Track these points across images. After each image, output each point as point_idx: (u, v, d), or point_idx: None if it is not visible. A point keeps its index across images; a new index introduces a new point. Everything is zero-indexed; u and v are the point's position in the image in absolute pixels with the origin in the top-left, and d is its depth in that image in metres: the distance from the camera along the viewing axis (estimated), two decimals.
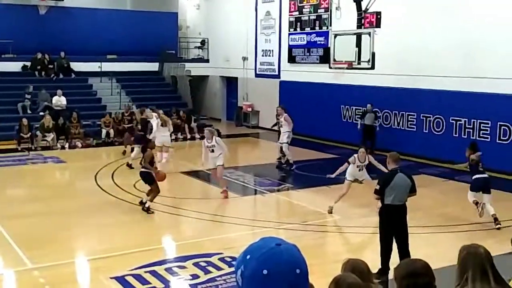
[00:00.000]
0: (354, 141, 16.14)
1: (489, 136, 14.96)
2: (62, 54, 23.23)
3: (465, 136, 15.47)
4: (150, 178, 11.20)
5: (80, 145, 19.10)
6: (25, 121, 18.53)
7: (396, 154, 8.00)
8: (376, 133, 17.41)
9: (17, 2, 23.19)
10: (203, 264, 8.31)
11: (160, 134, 15.11)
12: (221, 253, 8.70)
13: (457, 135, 15.75)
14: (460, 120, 15.66)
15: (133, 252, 8.88)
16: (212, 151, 12.47)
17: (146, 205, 11.06)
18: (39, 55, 22.91)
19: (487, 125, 15.01)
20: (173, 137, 20.60)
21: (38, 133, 18.58)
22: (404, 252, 7.67)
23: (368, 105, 17.49)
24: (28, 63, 23.00)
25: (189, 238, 9.91)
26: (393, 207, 7.73)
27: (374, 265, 7.08)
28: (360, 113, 18.03)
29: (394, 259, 7.77)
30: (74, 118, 19.80)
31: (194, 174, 15.21)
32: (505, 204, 11.89)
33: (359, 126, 17.71)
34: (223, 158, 12.58)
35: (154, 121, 15.45)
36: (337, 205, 11.38)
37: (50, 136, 18.73)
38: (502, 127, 14.66)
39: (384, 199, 7.76)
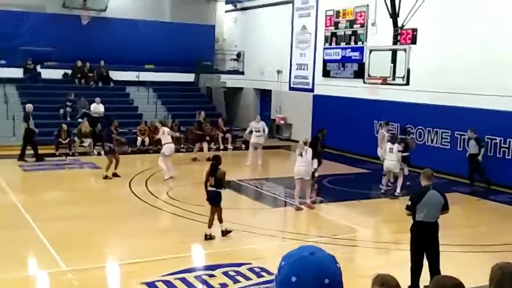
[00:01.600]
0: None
1: None
2: (102, 63, 23.83)
3: (500, 155, 15.26)
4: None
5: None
6: (64, 126, 19.05)
7: (429, 170, 7.98)
8: (482, 165, 15.22)
9: (61, 12, 23.93)
10: (232, 273, 8.41)
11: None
12: (250, 263, 8.79)
13: (491, 154, 15.52)
14: (495, 139, 15.44)
15: (164, 259, 9.05)
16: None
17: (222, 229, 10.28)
18: (79, 63, 23.55)
19: None
20: (207, 146, 20.91)
21: (76, 139, 19.06)
22: (434, 270, 7.63)
23: (469, 131, 15.41)
24: (69, 71, 23.67)
25: (219, 247, 10.02)
26: (424, 224, 7.70)
27: (404, 282, 7.07)
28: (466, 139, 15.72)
29: (425, 277, 7.75)
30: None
31: (226, 184, 15.34)
32: None
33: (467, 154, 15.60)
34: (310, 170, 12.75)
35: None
36: (368, 220, 11.36)
37: (87, 141, 19.20)
38: None
39: (416, 216, 7.73)
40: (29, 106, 18.20)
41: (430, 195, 7.68)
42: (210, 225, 10.18)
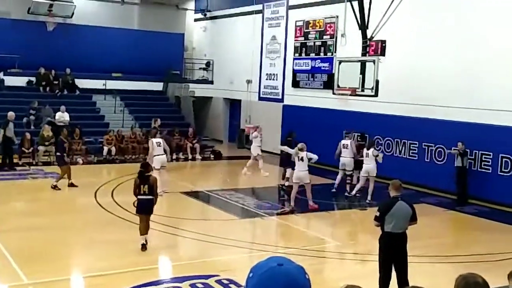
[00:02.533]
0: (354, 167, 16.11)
1: (490, 168, 14.94)
2: (68, 70, 23.39)
3: (467, 167, 15.42)
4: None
5: (81, 161, 19.10)
6: (28, 135, 18.59)
7: (398, 181, 7.98)
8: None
9: (25, 18, 23.44)
10: (199, 285, 8.24)
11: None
12: (218, 275, 8.64)
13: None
14: (466, 151, 15.62)
15: (130, 271, 8.82)
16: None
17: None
18: (42, 70, 23.05)
19: (488, 157, 15.00)
20: (174, 157, 20.69)
21: (40, 147, 18.61)
22: (403, 281, 7.61)
23: (460, 143, 15.07)
24: (34, 78, 23.15)
25: (187, 259, 9.85)
26: (393, 235, 7.69)
27: None
28: (460, 152, 15.10)
29: None
30: (76, 134, 19.84)
31: (194, 194, 15.18)
32: (506, 237, 11.86)
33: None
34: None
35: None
36: (337, 231, 11.33)
37: (50, 147, 18.75)
38: (504, 159, 14.65)
39: (384, 227, 7.72)
40: (11, 114, 17.81)
41: (399, 206, 7.67)
42: (146, 232, 9.97)
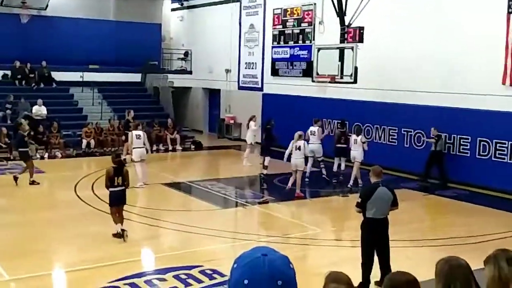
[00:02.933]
0: (332, 154, 16.18)
1: (468, 152, 15.13)
2: (44, 63, 23.03)
3: (445, 151, 15.62)
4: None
5: (60, 155, 18.90)
6: (4, 130, 18.32)
7: (378, 167, 8.04)
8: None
9: None
10: (183, 276, 8.23)
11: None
12: (201, 266, 8.63)
13: (439, 149, 15.87)
14: (440, 135, 15.79)
15: (112, 264, 8.77)
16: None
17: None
18: (18, 64, 22.68)
19: (467, 141, 15.19)
20: (155, 148, 20.58)
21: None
22: (385, 265, 7.69)
23: (433, 129, 15.44)
24: (9, 72, 22.77)
25: (169, 250, 9.83)
26: (374, 221, 7.75)
27: (356, 278, 7.08)
28: (435, 138, 15.38)
29: (375, 273, 7.80)
30: (54, 128, 19.61)
31: (175, 185, 15.13)
32: (484, 219, 12.04)
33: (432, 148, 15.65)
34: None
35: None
36: (319, 218, 11.39)
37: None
38: (482, 143, 14.85)
39: (366, 213, 7.77)
40: None
41: (380, 192, 7.74)
42: (116, 221, 9.99)
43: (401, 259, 8.83)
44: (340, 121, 17.28)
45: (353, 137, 14.87)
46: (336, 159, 15.70)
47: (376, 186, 7.79)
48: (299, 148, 13.49)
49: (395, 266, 7.59)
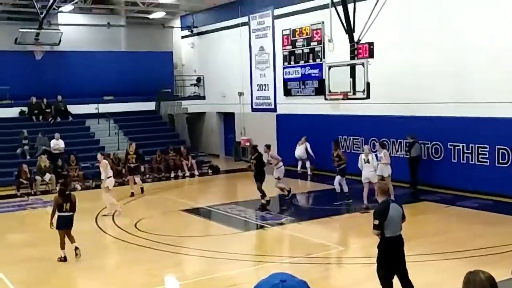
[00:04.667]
0: (352, 171, 16.10)
1: (488, 161, 14.97)
2: (59, 97, 23.39)
3: (464, 161, 15.48)
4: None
5: (79, 187, 19.05)
6: (25, 166, 18.53)
7: (386, 185, 7.87)
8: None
9: (13, 48, 23.47)
10: None
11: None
12: None
13: (455, 160, 15.76)
14: (458, 146, 15.68)
15: None
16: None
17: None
18: (34, 100, 23.05)
19: (485, 149, 15.04)
20: (173, 175, 20.66)
21: (37, 177, 18.56)
22: (407, 282, 7.55)
23: (409, 137, 16.31)
24: (26, 108, 23.14)
25: (193, 277, 9.80)
26: (394, 239, 7.57)
27: None
28: (408, 145, 16.48)
29: None
30: (72, 161, 19.81)
31: (195, 211, 15.13)
32: (507, 229, 11.85)
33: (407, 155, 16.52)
34: None
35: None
36: (341, 236, 11.27)
37: (48, 176, 18.69)
38: (501, 151, 14.69)
39: (384, 233, 7.52)
40: None
41: (393, 209, 7.52)
42: (63, 246, 10.50)
43: (424, 273, 8.72)
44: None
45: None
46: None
47: (388, 204, 7.58)
48: (368, 161, 14.17)
49: (418, 280, 7.50)
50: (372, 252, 10.53)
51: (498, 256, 9.75)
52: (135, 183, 17.61)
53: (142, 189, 17.80)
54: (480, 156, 15.17)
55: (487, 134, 14.92)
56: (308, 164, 20.07)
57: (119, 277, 9.75)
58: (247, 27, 24.11)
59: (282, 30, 21.94)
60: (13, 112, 22.97)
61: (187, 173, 21.32)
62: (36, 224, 14.60)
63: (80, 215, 15.03)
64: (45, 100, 23.27)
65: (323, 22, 19.85)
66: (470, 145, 15.36)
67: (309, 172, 19.98)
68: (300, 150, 19.96)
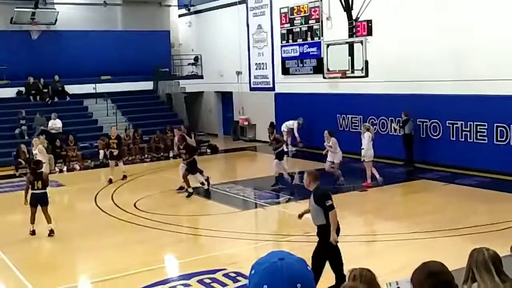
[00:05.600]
0: (351, 149, 16.12)
1: (486, 138, 14.99)
2: (56, 77, 23.27)
3: (463, 139, 15.51)
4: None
5: (78, 167, 19.07)
6: (23, 147, 18.50)
7: (316, 171, 7.63)
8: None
9: (9, 28, 23.27)
10: (207, 281, 8.26)
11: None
12: (224, 269, 8.64)
13: (454, 139, 15.77)
14: (457, 123, 15.69)
15: (136, 273, 8.82)
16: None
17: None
18: (31, 80, 22.95)
19: (483, 127, 15.05)
20: (171, 154, 20.67)
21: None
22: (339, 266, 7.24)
23: (403, 114, 16.39)
24: (23, 89, 23.03)
25: (192, 255, 9.85)
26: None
27: (379, 273, 7.03)
28: (401, 122, 16.61)
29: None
30: (70, 141, 19.79)
31: (194, 190, 15.16)
32: (505, 206, 11.91)
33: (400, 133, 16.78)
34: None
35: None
36: (339, 214, 11.29)
37: (47, 156, 18.64)
38: (499, 129, 14.70)
39: (335, 211, 7.25)
40: None
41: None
42: (33, 221, 11.00)
43: (422, 251, 8.78)
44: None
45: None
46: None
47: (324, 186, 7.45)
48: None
49: (421, 257, 7.54)
50: (371, 230, 10.63)
51: (497, 233, 9.81)
52: (117, 165, 16.68)
53: (124, 175, 16.68)
54: (478, 134, 15.19)
55: (485, 111, 14.91)
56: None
57: (119, 256, 9.80)
58: (244, 5, 23.91)
59: (280, 8, 21.77)
60: (10, 92, 22.85)
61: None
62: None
63: (79, 195, 15.15)
64: (42, 80, 23.15)
65: (321, 0, 19.69)
66: (469, 122, 15.36)
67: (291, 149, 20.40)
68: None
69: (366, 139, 14.18)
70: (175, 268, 9.64)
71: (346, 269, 3.72)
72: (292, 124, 20.27)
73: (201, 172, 14.88)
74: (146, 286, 8.13)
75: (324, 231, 7.20)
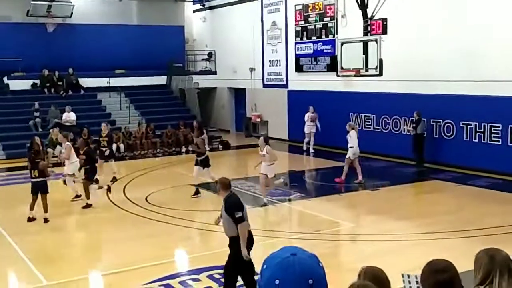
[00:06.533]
0: (364, 148, 16.05)
1: (500, 140, 14.87)
2: (70, 70, 23.42)
3: (476, 140, 15.39)
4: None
5: None
6: (37, 138, 18.59)
7: (226, 179, 7.13)
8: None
9: (25, 20, 23.45)
10: (217, 276, 8.28)
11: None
12: None
13: (468, 139, 15.66)
14: (471, 124, 15.57)
15: (147, 266, 8.87)
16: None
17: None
18: (46, 72, 23.11)
19: (498, 129, 14.92)
20: (184, 149, 20.72)
21: (49, 150, 18.68)
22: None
23: (415, 113, 16.30)
24: (38, 81, 23.21)
25: (202, 251, 9.90)
26: (250, 232, 6.95)
27: (390, 272, 7.00)
28: (414, 122, 16.46)
29: None
30: (84, 134, 19.83)
31: (205, 186, 15.20)
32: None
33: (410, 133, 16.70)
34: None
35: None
36: (350, 213, 11.30)
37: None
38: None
39: (247, 226, 6.78)
40: None
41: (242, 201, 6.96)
42: (32, 208, 11.53)
43: (439, 252, 8.73)
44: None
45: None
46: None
47: (237, 195, 7.02)
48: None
49: (431, 259, 7.50)
50: (381, 229, 10.59)
51: (510, 235, 9.73)
52: (106, 162, 15.78)
53: (114, 178, 15.46)
54: (492, 135, 15.06)
55: (499, 113, 14.78)
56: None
57: (130, 249, 9.85)
58: (259, 1, 23.88)
59: (295, 5, 21.72)
60: (25, 84, 23.05)
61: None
62: (48, 196, 14.73)
63: (91, 188, 15.17)
64: (57, 73, 23.32)
65: None
66: (483, 124, 15.24)
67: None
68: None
69: (353, 137, 14.40)
70: (185, 262, 9.67)
71: (356, 268, 3.71)
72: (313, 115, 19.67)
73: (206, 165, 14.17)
74: (156, 279, 8.18)
75: (234, 244, 6.74)
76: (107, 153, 15.96)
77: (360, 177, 14.46)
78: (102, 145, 16.08)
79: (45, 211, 11.50)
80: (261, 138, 13.13)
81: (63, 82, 23.38)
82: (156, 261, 9.03)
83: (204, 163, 14.00)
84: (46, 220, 11.45)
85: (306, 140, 19.75)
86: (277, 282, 1.71)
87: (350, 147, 14.43)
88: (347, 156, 14.51)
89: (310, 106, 19.57)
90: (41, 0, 23.06)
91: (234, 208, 6.70)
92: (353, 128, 14.65)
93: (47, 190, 11.63)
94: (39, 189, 11.50)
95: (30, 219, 11.56)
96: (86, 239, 10.80)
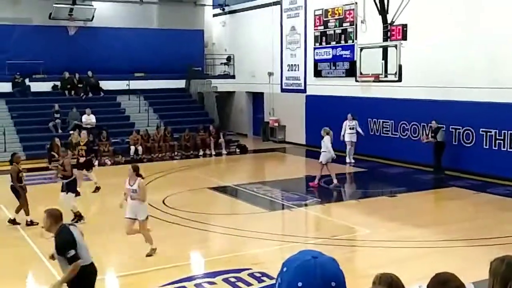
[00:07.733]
0: (382, 154, 15.98)
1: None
2: (90, 73, 23.68)
3: (496, 148, 15.21)
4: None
5: (109, 162, 19.35)
6: (57, 140, 18.86)
7: (56, 211, 6.37)
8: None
9: (47, 23, 23.77)
10: (232, 280, 8.29)
11: None
12: (250, 269, 8.67)
13: (487, 147, 15.49)
14: (491, 132, 15.40)
15: (163, 269, 8.91)
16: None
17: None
18: (67, 75, 23.40)
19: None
20: (201, 152, 20.81)
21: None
22: None
23: (434, 122, 16.23)
24: (58, 83, 23.50)
25: (218, 254, 9.91)
26: (90, 267, 6.36)
27: (405, 279, 6.95)
28: (433, 130, 16.31)
29: None
30: (103, 137, 20.10)
31: (222, 189, 15.26)
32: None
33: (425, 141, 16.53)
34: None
35: None
36: (367, 219, 11.23)
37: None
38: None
39: (80, 258, 6.05)
40: None
41: (76, 233, 6.26)
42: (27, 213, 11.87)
43: (456, 260, 8.65)
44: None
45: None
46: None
47: (69, 229, 6.23)
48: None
49: (449, 267, 7.43)
50: (398, 236, 10.51)
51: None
52: (88, 173, 15.07)
53: (97, 187, 14.86)
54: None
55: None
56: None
57: (146, 252, 9.89)
58: (279, 6, 23.92)
59: (314, 10, 21.71)
60: (46, 86, 23.35)
61: (213, 152, 21.34)
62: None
63: (109, 189, 15.35)
64: (77, 75, 23.59)
65: (356, 3, 19.57)
66: (503, 131, 15.07)
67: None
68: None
69: (326, 142, 14.70)
70: (201, 265, 9.70)
71: (371, 275, 3.69)
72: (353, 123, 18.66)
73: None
74: (172, 282, 8.21)
75: (74, 285, 6.09)
76: (81, 160, 15.00)
77: (335, 181, 14.77)
78: (80, 154, 15.12)
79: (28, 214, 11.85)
80: (130, 167, 10.11)
81: (83, 84, 23.65)
82: (172, 263, 9.07)
83: (69, 188, 12.23)
84: (31, 223, 11.75)
85: (348, 148, 18.38)
86: (300, 284, 1.70)
87: (323, 151, 14.74)
88: (319, 161, 14.86)
89: (348, 113, 18.55)
90: (63, 3, 23.36)
91: (65, 247, 5.96)
92: (327, 134, 14.95)
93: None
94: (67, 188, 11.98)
95: (29, 223, 11.83)
96: (103, 240, 10.87)
